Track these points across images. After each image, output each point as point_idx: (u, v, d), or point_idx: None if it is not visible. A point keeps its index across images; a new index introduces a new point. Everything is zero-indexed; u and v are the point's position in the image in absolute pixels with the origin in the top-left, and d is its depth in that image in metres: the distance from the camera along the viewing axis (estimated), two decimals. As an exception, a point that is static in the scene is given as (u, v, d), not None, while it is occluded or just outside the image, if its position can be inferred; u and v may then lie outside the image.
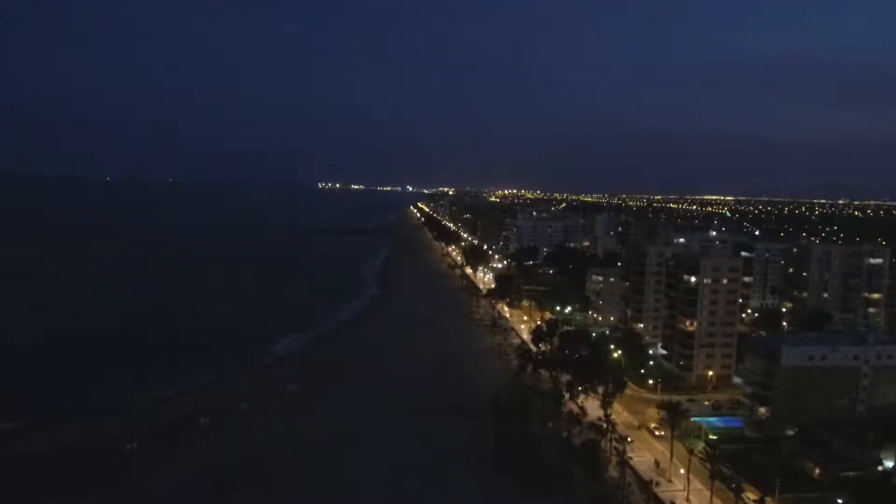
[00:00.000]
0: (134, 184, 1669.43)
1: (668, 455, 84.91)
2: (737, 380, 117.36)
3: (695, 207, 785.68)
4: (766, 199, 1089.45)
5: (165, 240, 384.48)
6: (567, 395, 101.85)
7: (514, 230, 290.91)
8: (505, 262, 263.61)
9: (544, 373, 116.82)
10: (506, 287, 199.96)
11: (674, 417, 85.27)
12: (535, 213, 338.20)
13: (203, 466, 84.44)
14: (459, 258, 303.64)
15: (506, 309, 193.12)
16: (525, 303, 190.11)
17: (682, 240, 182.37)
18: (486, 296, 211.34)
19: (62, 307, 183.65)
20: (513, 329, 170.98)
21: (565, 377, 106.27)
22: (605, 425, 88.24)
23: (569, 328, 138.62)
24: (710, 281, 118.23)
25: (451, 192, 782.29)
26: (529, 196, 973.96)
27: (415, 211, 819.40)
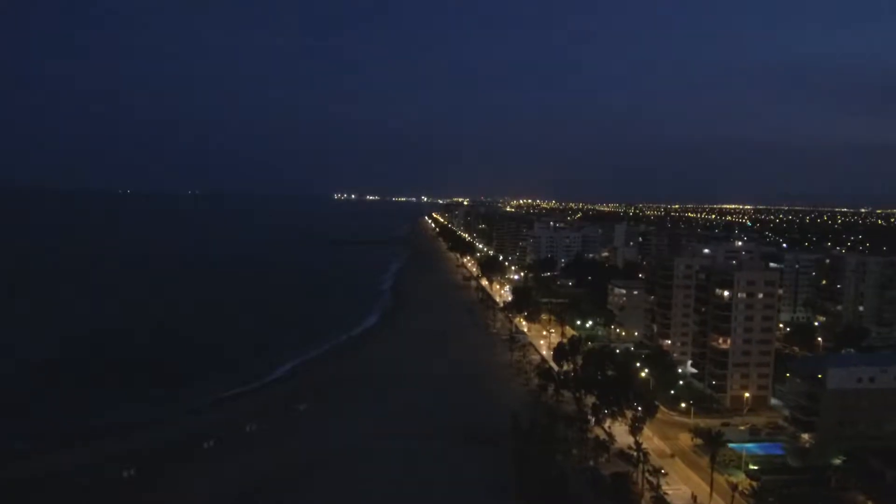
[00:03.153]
0: (154, 197, 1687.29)
1: (707, 488, 77.86)
2: (774, 401, 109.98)
3: (713, 216, 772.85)
4: (787, 207, 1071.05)
5: (196, 252, 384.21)
6: (593, 420, 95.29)
7: (531, 241, 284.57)
8: (522, 274, 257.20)
9: (567, 394, 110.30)
10: (524, 300, 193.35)
11: (712, 446, 78.42)
12: (552, 223, 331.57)
13: (204, 495, 79.09)
14: (475, 269, 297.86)
15: (524, 323, 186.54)
16: (544, 316, 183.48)
17: (706, 251, 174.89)
18: (503, 309, 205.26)
19: (103, 312, 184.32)
20: (531, 344, 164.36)
21: (590, 399, 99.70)
22: (635, 454, 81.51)
23: (592, 345, 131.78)
24: (744, 295, 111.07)
25: (465, 203, 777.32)
26: (545, 206, 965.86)
27: (429, 221, 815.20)
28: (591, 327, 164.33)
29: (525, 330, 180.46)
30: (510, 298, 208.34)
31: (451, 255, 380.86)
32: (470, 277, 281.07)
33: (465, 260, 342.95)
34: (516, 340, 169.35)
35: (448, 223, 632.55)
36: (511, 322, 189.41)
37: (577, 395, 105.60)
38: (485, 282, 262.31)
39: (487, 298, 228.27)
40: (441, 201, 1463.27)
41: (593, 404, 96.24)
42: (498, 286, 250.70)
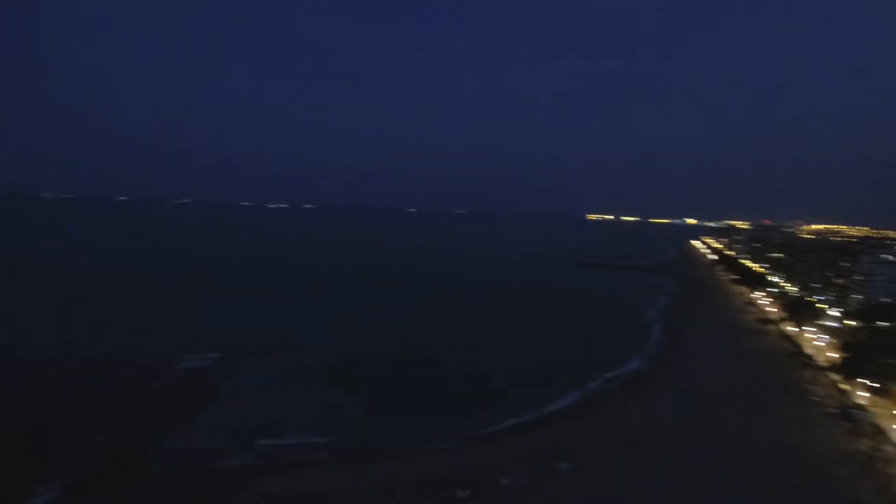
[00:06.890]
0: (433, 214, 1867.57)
1: None
2: None
3: None
4: None
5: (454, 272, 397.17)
6: None
7: (862, 278, 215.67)
8: (847, 323, 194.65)
9: None
10: (859, 360, 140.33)
11: None
12: (893, 256, 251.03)
13: None
14: (776, 310, 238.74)
15: (863, 394, 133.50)
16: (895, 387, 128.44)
17: None
18: (825, 369, 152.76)
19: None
20: (878, 427, 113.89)
21: None
22: None
23: None
24: None
25: (746, 227, 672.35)
26: (853, 233, 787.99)
27: (700, 246, 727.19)
28: None
29: (865, 403, 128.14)
30: (837, 355, 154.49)
31: (735, 289, 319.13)
32: (767, 320, 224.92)
33: (754, 296, 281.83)
34: (853, 418, 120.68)
35: (726, 249, 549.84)
36: (841, 390, 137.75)
37: None
38: (790, 328, 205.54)
39: (799, 352, 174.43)
40: (712, 224, 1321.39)
41: None
42: (810, 336, 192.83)
